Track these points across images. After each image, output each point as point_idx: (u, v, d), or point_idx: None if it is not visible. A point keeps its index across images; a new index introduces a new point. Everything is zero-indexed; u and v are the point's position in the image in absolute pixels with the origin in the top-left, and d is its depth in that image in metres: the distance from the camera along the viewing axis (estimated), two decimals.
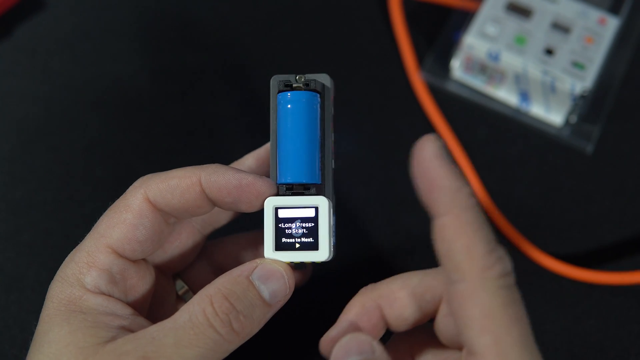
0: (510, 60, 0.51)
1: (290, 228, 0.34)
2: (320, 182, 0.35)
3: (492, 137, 0.53)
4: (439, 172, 0.29)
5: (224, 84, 0.54)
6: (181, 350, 0.30)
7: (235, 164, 0.39)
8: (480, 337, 0.28)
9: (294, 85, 0.35)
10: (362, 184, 0.50)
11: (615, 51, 0.55)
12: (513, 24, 0.53)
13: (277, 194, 0.35)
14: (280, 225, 0.35)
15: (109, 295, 0.34)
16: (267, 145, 0.38)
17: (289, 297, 0.34)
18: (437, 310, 0.33)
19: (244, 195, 0.34)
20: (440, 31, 0.56)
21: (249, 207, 0.35)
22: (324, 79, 0.36)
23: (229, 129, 0.52)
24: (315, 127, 0.35)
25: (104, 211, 0.35)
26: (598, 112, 0.53)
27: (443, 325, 0.33)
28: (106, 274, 0.34)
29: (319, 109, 0.35)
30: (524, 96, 0.53)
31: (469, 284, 0.28)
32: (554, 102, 0.52)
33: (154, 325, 0.32)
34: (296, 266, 0.36)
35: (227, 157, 0.39)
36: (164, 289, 0.38)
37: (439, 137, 0.29)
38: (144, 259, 0.36)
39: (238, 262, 0.35)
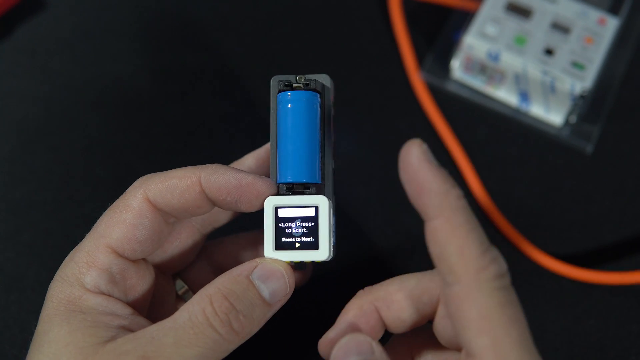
0: (510, 61, 0.51)
1: (290, 227, 0.34)
2: (320, 182, 0.35)
3: (492, 137, 0.53)
4: (426, 176, 0.29)
5: (224, 84, 0.54)
6: (181, 349, 0.30)
7: (235, 164, 0.39)
8: (478, 339, 0.28)
9: (294, 85, 0.35)
10: (362, 184, 0.50)
11: (615, 51, 0.55)
12: (513, 24, 0.53)
13: (277, 194, 0.35)
14: (280, 224, 0.35)
15: (109, 295, 0.34)
16: (267, 145, 0.38)
17: (289, 296, 0.34)
18: (435, 312, 0.33)
19: (244, 195, 0.34)
20: (440, 31, 0.56)
21: (248, 207, 0.35)
22: (324, 79, 0.36)
23: (229, 129, 0.52)
24: (315, 127, 0.35)
25: (104, 211, 0.35)
26: (598, 112, 0.53)
27: (441, 327, 0.33)
28: (106, 274, 0.34)
29: (319, 108, 0.35)
30: (524, 96, 0.53)
31: (464, 285, 0.29)
32: (554, 102, 0.52)
33: (153, 324, 0.32)
34: (296, 266, 0.36)
35: (227, 157, 0.39)
36: (163, 289, 0.38)
37: (423, 141, 0.29)
38: (143, 259, 0.36)
39: (238, 262, 0.35)
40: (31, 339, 0.33)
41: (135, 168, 0.50)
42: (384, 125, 0.53)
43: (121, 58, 0.55)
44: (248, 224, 0.41)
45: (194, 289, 0.39)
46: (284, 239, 0.34)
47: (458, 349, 0.32)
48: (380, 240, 0.48)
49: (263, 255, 0.35)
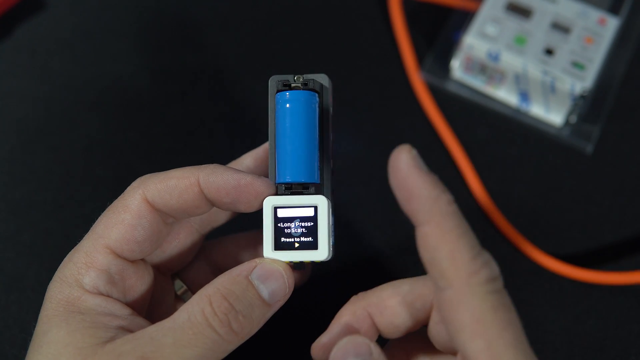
0: (510, 60, 0.51)
1: (289, 227, 0.34)
2: (319, 182, 0.35)
3: (492, 137, 0.53)
4: (415, 182, 0.29)
5: (224, 84, 0.54)
6: (180, 350, 0.30)
7: (233, 164, 0.39)
8: (472, 342, 0.28)
9: (293, 85, 0.35)
10: (362, 184, 0.50)
11: (615, 51, 0.55)
12: (513, 24, 0.53)
13: (276, 194, 0.35)
14: (279, 224, 0.35)
15: (108, 296, 0.34)
16: (265, 145, 0.38)
17: (288, 296, 0.34)
18: (429, 317, 0.33)
19: (243, 195, 0.34)
20: (440, 31, 0.56)
21: (247, 207, 0.35)
22: (322, 79, 0.36)
23: (228, 128, 0.52)
24: (313, 127, 0.35)
25: (104, 211, 0.35)
26: (598, 112, 0.53)
27: (436, 332, 0.33)
28: (105, 275, 0.34)
29: (317, 108, 0.35)
30: (524, 96, 0.53)
31: (456, 290, 0.28)
32: (554, 102, 0.52)
33: (152, 325, 0.32)
34: (295, 266, 0.36)
35: (226, 157, 0.39)
36: (162, 289, 0.38)
37: (411, 146, 0.29)
38: (142, 259, 0.36)
39: (237, 262, 0.35)
40: (30, 340, 0.33)
41: (135, 168, 0.50)
42: (384, 125, 0.53)
43: (121, 58, 0.55)
44: (247, 224, 0.41)
45: (193, 289, 0.39)
46: (283, 239, 0.34)
47: (453, 353, 0.32)
48: (379, 240, 0.48)
49: (262, 256, 0.35)
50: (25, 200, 0.49)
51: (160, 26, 0.57)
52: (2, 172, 0.50)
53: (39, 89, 0.53)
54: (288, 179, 0.34)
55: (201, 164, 0.35)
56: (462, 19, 0.55)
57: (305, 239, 0.34)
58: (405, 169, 0.29)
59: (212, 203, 0.35)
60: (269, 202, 0.34)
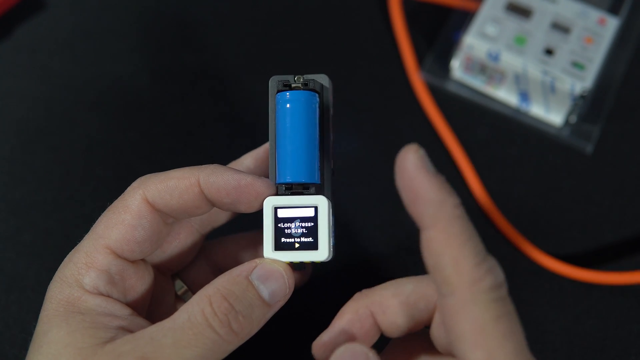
0: (510, 60, 0.51)
1: (289, 228, 0.34)
2: (319, 182, 0.35)
3: (492, 137, 0.53)
4: (422, 184, 0.28)
5: (224, 84, 0.54)
6: (180, 350, 0.30)
7: (234, 164, 0.39)
8: (472, 352, 0.28)
9: (293, 85, 0.35)
10: (362, 184, 0.50)
11: (615, 51, 0.55)
12: (513, 24, 0.53)
13: (276, 194, 0.35)
14: (279, 225, 0.35)
15: (108, 296, 0.34)
16: (266, 145, 0.38)
17: (288, 297, 0.34)
18: (432, 318, 0.33)
19: (243, 195, 0.34)
20: (440, 31, 0.56)
21: (247, 208, 0.35)
22: (323, 79, 0.36)
23: (228, 129, 0.52)
24: (314, 127, 0.35)
25: (104, 211, 0.35)
26: (598, 112, 0.53)
27: (438, 333, 0.33)
28: (105, 275, 0.34)
29: (317, 108, 0.35)
30: (524, 96, 0.53)
31: (459, 297, 0.28)
32: (554, 102, 0.52)
33: (153, 325, 0.32)
34: (296, 266, 0.36)
35: (226, 157, 0.39)
36: (163, 289, 0.38)
37: (419, 147, 0.29)
38: (142, 259, 0.36)
39: (237, 262, 0.35)
40: (30, 340, 0.33)
41: (135, 168, 0.50)
42: (384, 125, 0.53)
43: (121, 58, 0.55)
44: (247, 224, 0.41)
45: (193, 289, 0.39)
46: (283, 240, 0.34)
47: (454, 355, 0.32)
48: (380, 240, 0.48)
49: (262, 256, 0.35)
50: (25, 200, 0.49)
51: (160, 26, 0.57)
52: (2, 172, 0.50)
53: (39, 89, 0.53)
54: (288, 179, 0.34)
55: (201, 164, 0.35)
56: (462, 19, 0.55)
57: (306, 240, 0.34)
58: (411, 170, 0.28)
59: (212, 203, 0.35)
60: (269, 203, 0.34)
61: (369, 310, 0.33)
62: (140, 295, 0.35)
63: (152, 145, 0.51)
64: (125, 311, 0.33)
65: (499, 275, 0.29)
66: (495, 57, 0.52)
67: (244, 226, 0.41)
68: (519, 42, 0.52)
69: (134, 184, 0.35)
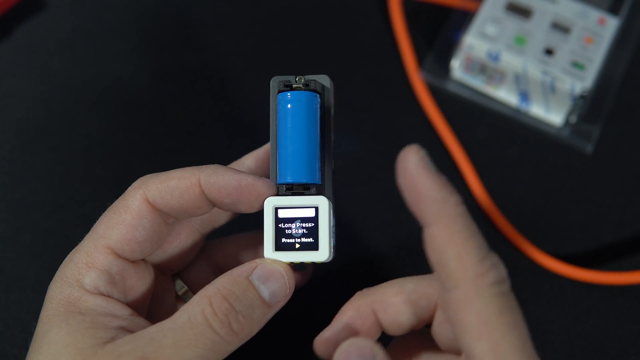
0: (510, 60, 0.51)
1: (290, 228, 0.34)
2: (320, 182, 0.35)
3: (492, 137, 0.53)
4: (424, 183, 0.29)
5: (224, 84, 0.54)
6: (180, 350, 0.30)
7: (235, 164, 0.39)
8: (477, 344, 0.28)
9: (294, 85, 0.35)
10: (362, 184, 0.50)
11: (615, 51, 0.55)
12: (513, 24, 0.53)
13: (277, 194, 0.35)
14: (280, 225, 0.35)
15: (108, 296, 0.34)
16: (267, 146, 0.38)
17: (289, 297, 0.34)
18: (433, 316, 0.33)
19: (244, 196, 0.34)
20: (440, 31, 0.56)
21: (248, 208, 0.35)
22: (324, 79, 0.36)
23: (228, 129, 0.52)
24: (315, 127, 0.35)
25: (104, 211, 0.35)
26: (598, 112, 0.53)
27: (439, 331, 0.33)
28: (105, 275, 0.34)
29: (318, 109, 0.35)
30: (524, 96, 0.53)
31: (463, 291, 0.28)
32: (554, 102, 0.52)
33: (153, 325, 0.32)
34: (296, 267, 0.36)
35: (226, 157, 0.39)
36: (163, 289, 0.38)
37: (420, 147, 0.29)
38: (143, 259, 0.36)
39: (238, 263, 0.35)
40: (31, 340, 0.33)
41: (135, 168, 0.50)
42: (384, 125, 0.53)
43: (121, 58, 0.55)
44: (248, 224, 0.41)
45: (193, 289, 0.39)
46: (283, 240, 0.34)
47: (457, 352, 0.32)
48: (380, 240, 0.48)
49: (263, 256, 0.35)
50: (25, 200, 0.49)
51: (160, 26, 0.57)
52: (2, 172, 0.50)
53: (39, 89, 0.53)
54: (289, 180, 0.34)
55: (202, 165, 0.35)
56: (462, 19, 0.55)
57: (306, 240, 0.34)
58: (413, 169, 0.29)
59: (213, 203, 0.35)
60: (270, 203, 0.34)
61: (371, 308, 0.33)
62: (140, 295, 0.35)
63: (152, 145, 0.51)
64: (126, 311, 0.33)
65: (502, 270, 0.29)
66: (495, 57, 0.52)
67: (245, 226, 0.41)
68: (519, 42, 0.52)
69: (135, 184, 0.35)
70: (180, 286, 0.39)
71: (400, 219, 0.49)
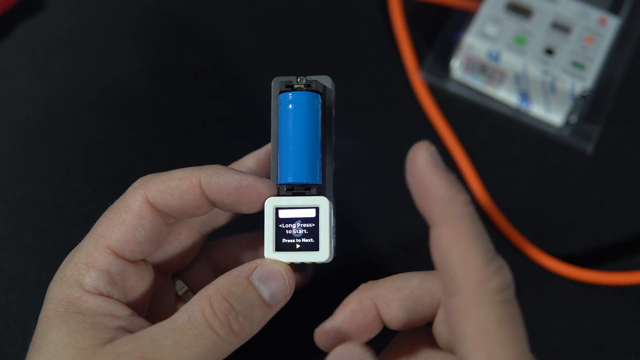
0: (510, 60, 0.51)
1: (290, 228, 0.34)
2: (320, 183, 0.35)
3: (492, 137, 0.53)
4: (432, 181, 0.28)
5: (224, 84, 0.54)
6: (180, 351, 0.30)
7: (235, 165, 0.39)
8: (473, 354, 0.28)
9: (295, 86, 0.35)
10: (362, 184, 0.50)
11: (615, 51, 0.55)
12: (513, 24, 0.53)
13: (278, 195, 0.35)
14: (280, 225, 0.35)
15: (108, 296, 0.34)
16: (268, 146, 0.38)
17: (289, 297, 0.34)
18: (435, 314, 0.33)
19: (244, 196, 0.34)
20: (440, 31, 0.56)
21: (249, 209, 0.35)
22: (325, 80, 0.36)
23: (229, 129, 0.52)
24: (316, 128, 0.35)
25: (104, 211, 0.35)
26: (598, 112, 0.53)
27: (440, 330, 0.33)
28: (105, 275, 0.34)
29: (319, 109, 0.35)
30: (524, 96, 0.53)
31: (465, 297, 0.28)
32: (554, 102, 0.52)
33: (153, 325, 0.32)
34: (296, 267, 0.36)
35: (227, 157, 0.39)
36: (163, 289, 0.38)
37: (431, 144, 0.29)
38: (143, 260, 0.36)
39: (238, 263, 0.35)
40: (30, 340, 0.33)
41: (135, 168, 0.50)
42: (384, 125, 0.53)
43: (121, 58, 0.55)
44: (248, 224, 0.41)
45: (193, 289, 0.39)
46: (284, 240, 0.34)
47: (456, 354, 0.32)
48: (380, 240, 0.48)
49: (263, 256, 0.35)
50: (25, 200, 0.49)
51: (160, 26, 0.57)
52: (2, 172, 0.50)
53: (39, 89, 0.53)
54: (290, 180, 0.34)
55: (202, 165, 0.35)
56: (462, 19, 0.55)
57: (307, 240, 0.34)
58: (422, 167, 0.28)
59: (213, 204, 0.35)
60: (271, 203, 0.34)
61: (373, 302, 0.33)
62: (140, 295, 0.35)
63: (152, 145, 0.51)
64: (126, 311, 0.33)
65: (507, 276, 0.28)
66: (495, 57, 0.52)
67: (245, 226, 0.41)
68: (519, 42, 0.52)
69: (135, 184, 0.35)
70: (180, 286, 0.39)
71: (400, 219, 0.49)
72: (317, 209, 0.34)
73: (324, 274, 0.42)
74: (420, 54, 0.55)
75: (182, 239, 0.39)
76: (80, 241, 0.35)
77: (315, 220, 0.34)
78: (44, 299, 0.34)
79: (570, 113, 0.52)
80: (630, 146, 0.52)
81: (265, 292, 0.33)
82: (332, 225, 0.35)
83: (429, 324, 0.34)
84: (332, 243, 0.35)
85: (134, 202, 0.34)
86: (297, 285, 0.37)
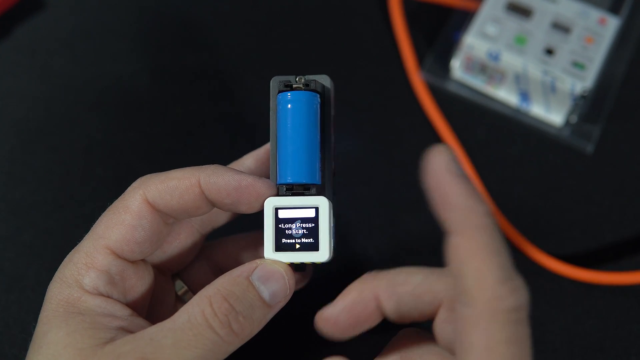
0: (511, 60, 0.51)
1: (290, 229, 0.34)
2: (320, 183, 0.35)
3: (492, 137, 0.53)
4: (451, 188, 0.27)
5: (224, 84, 0.54)
6: (180, 351, 0.30)
7: (234, 164, 0.38)
8: None
9: (294, 85, 0.35)
10: (362, 184, 0.50)
11: (615, 51, 0.55)
12: (513, 24, 0.52)
13: (277, 195, 0.35)
14: (280, 225, 0.35)
15: (108, 296, 0.34)
16: (267, 146, 0.38)
17: (289, 297, 0.34)
18: (436, 313, 0.33)
19: (244, 196, 0.34)
20: (440, 31, 0.56)
21: (248, 209, 0.35)
22: (324, 79, 0.36)
23: (228, 129, 0.52)
24: (315, 128, 0.35)
25: (104, 211, 0.35)
26: (598, 112, 0.53)
27: (440, 329, 0.32)
28: (105, 275, 0.34)
29: (319, 109, 0.35)
30: (524, 96, 0.53)
31: (476, 311, 0.27)
32: (554, 102, 0.52)
33: (153, 326, 0.32)
34: (296, 267, 0.36)
35: (226, 157, 0.39)
36: (163, 289, 0.38)
37: (449, 147, 0.28)
38: (142, 260, 0.36)
39: (238, 263, 0.35)
40: (30, 340, 0.33)
41: (135, 168, 0.50)
42: (384, 125, 0.53)
43: (121, 58, 0.55)
44: (248, 224, 0.41)
45: (193, 289, 0.39)
46: (284, 240, 0.34)
47: (454, 352, 0.32)
48: (380, 240, 0.48)
49: (263, 256, 0.35)
50: (25, 200, 0.49)
51: (160, 26, 0.57)
52: (2, 172, 0.50)
53: (39, 89, 0.53)
54: (289, 180, 0.34)
55: (202, 165, 0.35)
56: (462, 19, 0.55)
57: (306, 240, 0.34)
58: (440, 172, 0.27)
59: (212, 204, 0.35)
60: (270, 203, 0.34)
61: (374, 294, 0.33)
62: (140, 295, 0.35)
63: (152, 145, 0.51)
64: (125, 312, 0.33)
65: (523, 297, 0.28)
66: (495, 57, 0.52)
67: (245, 226, 0.41)
68: (519, 42, 0.52)
69: (134, 184, 0.35)
70: (180, 286, 0.39)
71: (401, 219, 0.49)
72: (317, 209, 0.34)
73: (323, 274, 0.42)
74: (420, 54, 0.55)
75: (181, 239, 0.39)
76: (80, 241, 0.35)
77: (315, 220, 0.34)
78: (43, 299, 0.34)
79: (570, 113, 0.52)
80: (630, 146, 0.52)
81: (265, 293, 0.33)
82: (332, 225, 0.35)
83: (429, 321, 0.34)
84: (332, 243, 0.35)
85: (134, 202, 0.34)
86: (297, 285, 0.37)
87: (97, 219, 0.35)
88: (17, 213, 0.48)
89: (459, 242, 0.28)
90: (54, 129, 0.52)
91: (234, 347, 0.32)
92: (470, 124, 0.53)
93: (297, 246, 0.34)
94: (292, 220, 0.34)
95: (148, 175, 0.35)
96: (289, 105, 0.35)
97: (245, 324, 0.32)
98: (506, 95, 0.53)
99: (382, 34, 0.56)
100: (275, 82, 0.35)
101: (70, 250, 0.35)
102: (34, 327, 0.33)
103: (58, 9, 0.57)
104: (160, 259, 0.38)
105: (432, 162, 0.28)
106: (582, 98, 0.51)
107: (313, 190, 0.35)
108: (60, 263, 0.34)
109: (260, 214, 0.35)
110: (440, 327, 0.32)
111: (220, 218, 0.40)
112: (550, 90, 0.51)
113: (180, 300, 0.39)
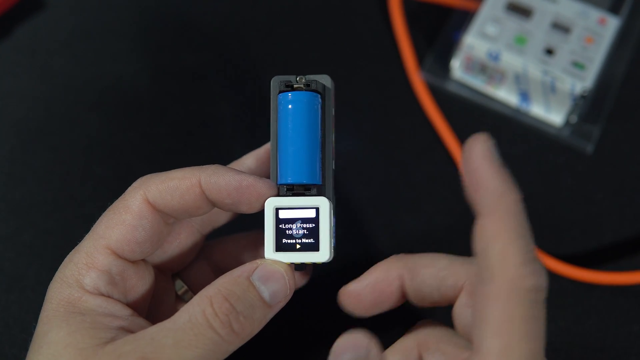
0: (510, 60, 0.51)
1: (290, 229, 0.34)
2: (320, 183, 0.35)
3: (492, 137, 0.52)
4: (486, 173, 0.29)
5: (224, 84, 0.54)
6: (180, 351, 0.30)
7: (235, 164, 0.38)
8: (491, 339, 0.28)
9: (295, 85, 0.35)
10: (362, 184, 0.50)
11: (615, 51, 0.55)
12: (513, 24, 0.53)
13: (278, 195, 0.35)
14: (280, 226, 0.35)
15: (108, 296, 0.33)
16: (267, 145, 0.38)
17: (289, 298, 0.34)
18: (457, 298, 0.33)
19: (244, 196, 0.34)
20: (440, 31, 0.56)
21: (249, 209, 0.35)
22: (325, 79, 0.36)
23: (229, 129, 0.52)
24: (316, 128, 0.35)
25: (104, 211, 0.35)
26: (598, 112, 0.53)
27: (459, 314, 0.33)
28: (105, 275, 0.34)
29: (319, 109, 0.35)
30: (524, 96, 0.53)
31: (497, 286, 0.28)
32: (554, 102, 0.52)
33: (153, 325, 0.32)
34: (296, 267, 0.36)
35: (227, 157, 0.39)
36: (163, 289, 0.38)
37: (489, 136, 0.29)
38: (143, 259, 0.36)
39: (238, 263, 0.35)
40: (31, 340, 0.33)
41: (135, 168, 0.50)
42: (384, 125, 0.53)
43: (121, 58, 0.55)
44: (248, 224, 0.41)
45: (193, 289, 0.39)
46: (284, 240, 0.34)
47: (471, 339, 0.32)
48: (380, 240, 0.48)
49: (263, 256, 0.35)
50: (25, 200, 0.49)
51: (160, 26, 0.57)
52: (2, 172, 0.50)
53: (39, 89, 0.53)
54: (290, 180, 0.34)
55: (202, 165, 0.35)
56: (462, 19, 0.55)
57: (307, 241, 0.34)
58: (477, 158, 0.29)
59: (213, 204, 0.35)
60: (271, 203, 0.34)
61: (399, 273, 0.34)
62: (140, 295, 0.35)
63: (152, 145, 0.51)
64: (126, 311, 0.33)
65: (543, 280, 0.28)
66: (495, 57, 0.52)
67: (245, 226, 0.41)
68: (519, 42, 0.52)
69: (135, 184, 0.35)
70: (180, 286, 0.39)
71: (401, 219, 0.49)
72: (317, 209, 0.34)
73: (324, 274, 0.42)
74: (420, 54, 0.55)
75: (181, 239, 0.39)
76: (80, 241, 0.35)
77: (316, 220, 0.34)
78: (44, 299, 0.34)
79: (570, 113, 0.52)
80: (630, 146, 0.52)
81: (266, 293, 0.33)
82: (332, 225, 0.35)
83: (449, 306, 0.34)
84: (332, 243, 0.35)
85: (134, 202, 0.34)
86: (297, 285, 0.37)
87: (97, 219, 0.35)
88: (17, 213, 0.48)
89: (487, 223, 0.29)
90: (54, 129, 0.52)
91: (234, 347, 0.32)
92: (470, 124, 0.53)
93: (298, 246, 0.34)
94: (292, 221, 0.34)
95: (148, 175, 0.35)
96: (290, 106, 0.34)
97: (245, 323, 0.32)
98: (506, 95, 0.53)
99: (382, 34, 0.56)
100: (275, 82, 0.35)
101: (70, 250, 0.35)
102: (34, 327, 0.33)
103: (58, 9, 0.57)
104: (160, 258, 0.38)
105: (471, 148, 0.29)
106: (582, 98, 0.51)
107: (314, 190, 0.35)
108: (61, 263, 0.34)
109: (260, 214, 0.35)
110: (459, 311, 0.33)
111: (220, 218, 0.40)
112: (550, 90, 0.51)
113: (181, 300, 0.39)
